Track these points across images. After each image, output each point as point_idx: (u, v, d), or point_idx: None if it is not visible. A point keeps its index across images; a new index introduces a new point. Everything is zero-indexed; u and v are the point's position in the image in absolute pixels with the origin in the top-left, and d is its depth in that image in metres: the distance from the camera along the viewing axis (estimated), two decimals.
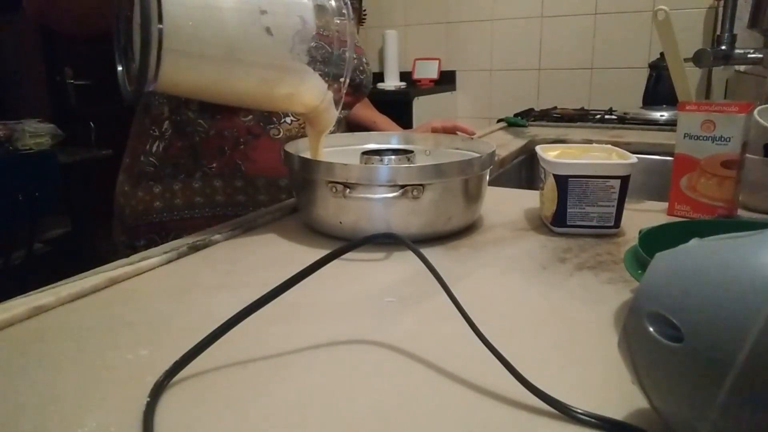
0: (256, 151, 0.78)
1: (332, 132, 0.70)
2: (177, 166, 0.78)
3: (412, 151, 0.68)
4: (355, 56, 0.77)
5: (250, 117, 0.79)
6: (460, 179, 0.60)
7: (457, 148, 0.75)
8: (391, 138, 0.79)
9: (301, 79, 0.62)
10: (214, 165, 0.78)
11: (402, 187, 0.57)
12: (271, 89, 0.61)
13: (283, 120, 0.80)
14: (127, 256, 0.56)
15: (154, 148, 0.79)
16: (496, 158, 1.16)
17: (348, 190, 0.58)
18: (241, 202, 0.79)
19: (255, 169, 0.79)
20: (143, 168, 0.79)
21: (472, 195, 0.62)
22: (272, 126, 0.79)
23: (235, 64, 0.57)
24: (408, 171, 0.58)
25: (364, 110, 1.08)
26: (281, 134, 0.80)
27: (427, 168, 0.58)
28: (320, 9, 0.62)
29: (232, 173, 0.78)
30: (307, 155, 0.66)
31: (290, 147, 0.66)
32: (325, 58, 0.62)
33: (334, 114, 0.66)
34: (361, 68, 0.91)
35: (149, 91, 0.53)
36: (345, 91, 0.65)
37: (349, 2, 0.63)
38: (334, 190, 0.58)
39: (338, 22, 0.62)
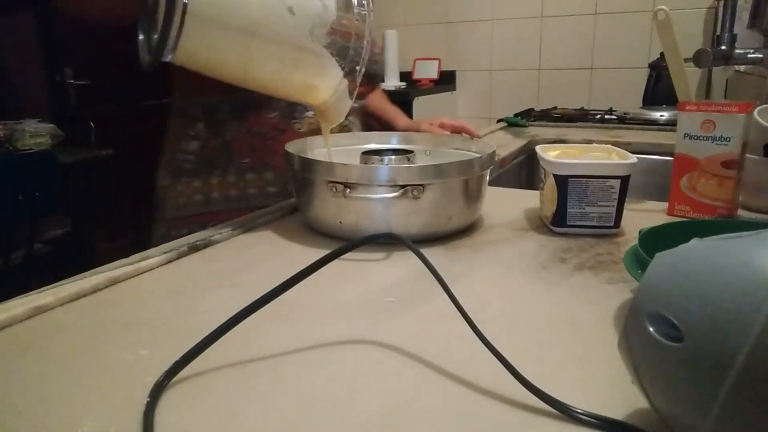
0: (282, 145, 0.82)
1: (348, 122, 0.70)
2: (213, 163, 0.84)
3: (412, 151, 0.67)
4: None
5: (275, 114, 0.83)
6: (460, 179, 0.60)
7: (457, 148, 0.75)
8: (391, 138, 0.79)
9: (319, 63, 0.62)
10: (247, 160, 0.83)
11: (402, 187, 0.57)
12: (289, 71, 0.62)
13: (305, 114, 0.84)
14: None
15: (191, 147, 0.85)
16: (496, 158, 1.16)
17: (348, 190, 0.58)
18: (272, 193, 0.84)
19: (282, 162, 0.83)
20: (182, 165, 0.86)
21: (472, 195, 0.62)
22: (296, 120, 0.84)
23: (255, 39, 0.58)
24: (408, 171, 0.58)
25: (378, 101, 1.09)
26: (304, 128, 0.85)
27: (427, 168, 0.58)
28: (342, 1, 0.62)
29: (263, 167, 0.84)
30: (308, 155, 0.66)
31: (290, 147, 0.66)
32: (342, 47, 0.63)
33: (346, 105, 0.67)
34: (374, 58, 0.92)
35: (167, 61, 0.55)
36: (360, 82, 0.65)
37: None
38: (334, 190, 0.58)
39: (357, 12, 0.63)
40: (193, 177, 0.85)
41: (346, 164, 0.59)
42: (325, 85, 0.64)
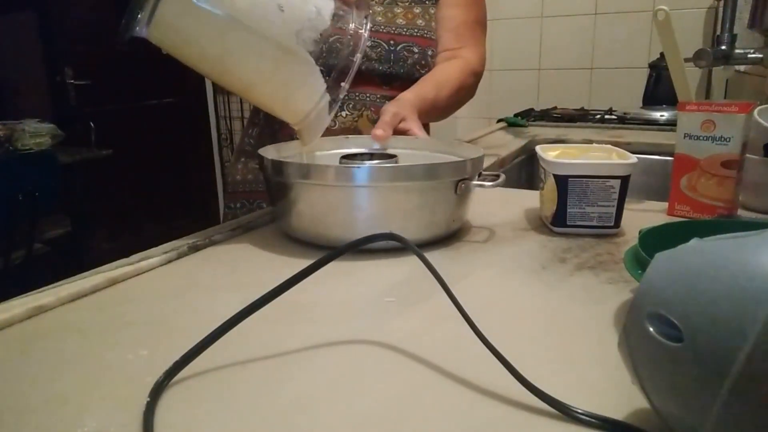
0: None
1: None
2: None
3: (394, 156, 0.66)
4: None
5: None
6: (447, 181, 0.58)
7: (441, 151, 0.73)
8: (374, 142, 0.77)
9: (301, 69, 0.60)
10: None
11: (401, 187, 0.57)
12: (268, 70, 0.59)
13: (338, 114, 0.86)
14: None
15: (253, 132, 0.97)
16: (496, 158, 1.16)
17: (339, 191, 0.57)
18: None
19: None
20: (244, 147, 0.97)
21: (463, 197, 0.60)
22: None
23: (236, 29, 0.55)
24: (407, 171, 0.58)
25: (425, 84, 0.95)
26: (336, 125, 0.86)
27: (425, 167, 0.58)
28: (338, 15, 0.60)
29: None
30: (286, 159, 0.64)
31: (265, 152, 0.64)
32: (328, 62, 0.61)
33: (323, 125, 0.64)
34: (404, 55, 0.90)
35: (141, 37, 0.53)
36: (343, 97, 0.63)
37: (369, 18, 0.63)
38: (326, 191, 0.57)
39: (353, 29, 0.61)
40: (250, 158, 0.95)
41: (338, 165, 0.59)
42: (305, 96, 0.61)
